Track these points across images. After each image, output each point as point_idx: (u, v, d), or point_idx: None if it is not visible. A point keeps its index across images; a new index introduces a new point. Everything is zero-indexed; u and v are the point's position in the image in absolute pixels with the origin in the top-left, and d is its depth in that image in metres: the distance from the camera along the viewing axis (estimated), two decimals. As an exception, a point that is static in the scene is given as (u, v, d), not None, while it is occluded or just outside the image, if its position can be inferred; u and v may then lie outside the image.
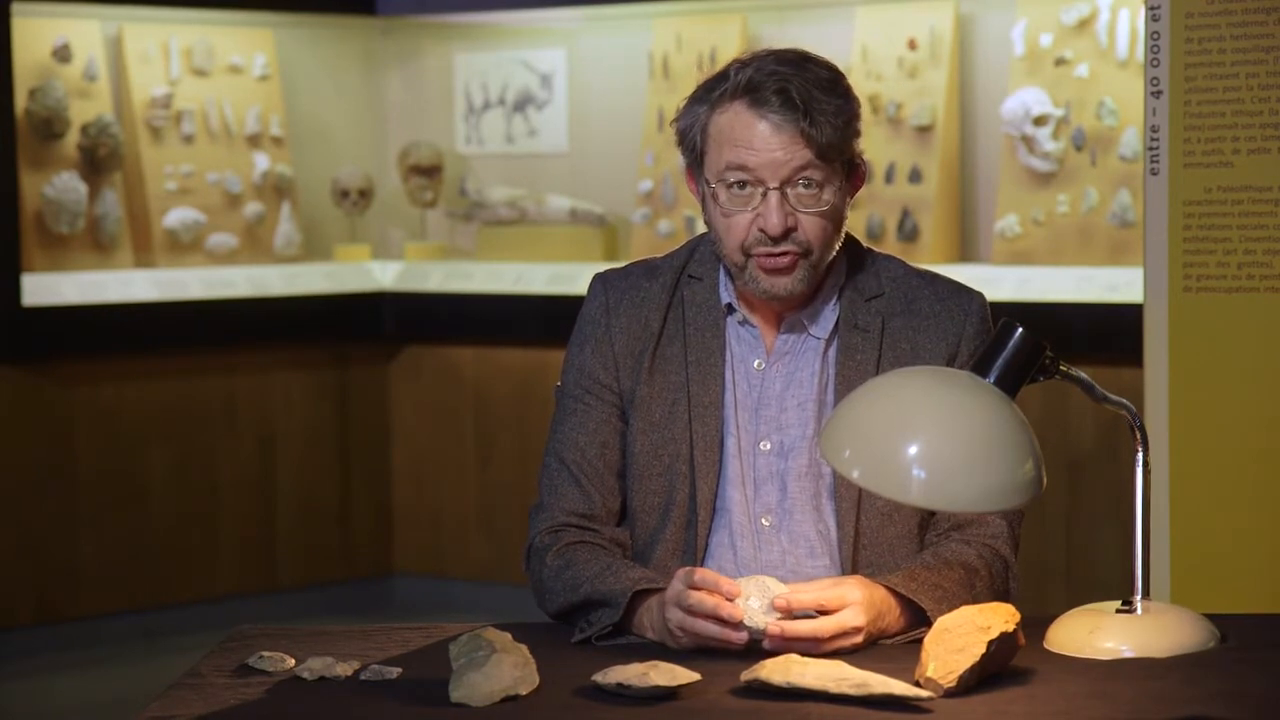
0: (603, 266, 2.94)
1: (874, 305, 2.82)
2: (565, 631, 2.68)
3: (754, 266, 2.73)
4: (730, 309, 2.83)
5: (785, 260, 2.71)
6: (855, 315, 2.81)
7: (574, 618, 2.70)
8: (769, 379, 2.81)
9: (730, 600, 2.52)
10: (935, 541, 2.77)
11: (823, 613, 2.53)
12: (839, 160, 2.71)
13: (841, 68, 2.78)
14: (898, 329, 2.81)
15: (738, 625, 2.51)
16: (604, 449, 2.83)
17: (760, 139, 2.68)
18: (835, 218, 2.73)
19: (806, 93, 2.67)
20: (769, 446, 2.79)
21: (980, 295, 2.86)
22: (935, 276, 2.87)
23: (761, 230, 2.70)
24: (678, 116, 2.77)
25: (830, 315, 2.81)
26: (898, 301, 2.83)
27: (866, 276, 2.83)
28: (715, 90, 2.72)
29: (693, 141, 2.75)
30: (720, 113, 2.71)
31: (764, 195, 2.69)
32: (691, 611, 2.52)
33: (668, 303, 2.84)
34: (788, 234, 2.70)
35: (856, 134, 2.73)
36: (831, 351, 2.81)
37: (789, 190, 2.69)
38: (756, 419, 2.80)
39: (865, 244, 2.88)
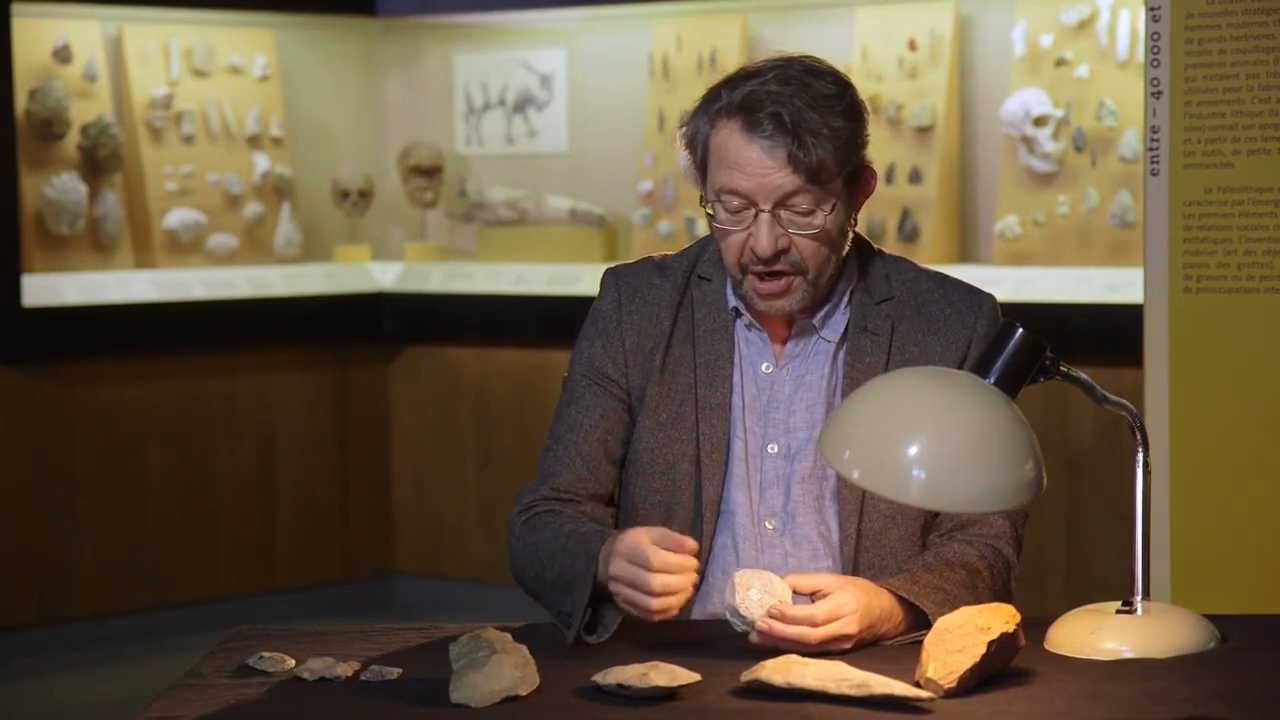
0: (602, 267, 2.94)
1: (884, 308, 2.82)
2: (565, 632, 2.68)
3: (749, 285, 2.74)
4: (738, 313, 2.83)
5: (780, 285, 2.72)
6: (865, 318, 2.81)
7: (547, 598, 2.72)
8: (778, 382, 2.81)
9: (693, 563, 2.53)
10: (938, 542, 2.77)
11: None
12: (835, 180, 2.70)
13: (841, 69, 2.77)
14: (907, 332, 2.81)
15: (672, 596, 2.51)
16: (606, 436, 2.83)
17: (751, 163, 2.67)
18: (830, 238, 2.73)
19: (799, 115, 2.65)
20: (776, 449, 2.80)
21: (990, 297, 2.86)
22: (945, 278, 2.87)
23: (753, 250, 2.70)
24: (684, 122, 2.77)
25: (840, 318, 2.81)
26: (907, 304, 2.82)
27: (876, 279, 2.83)
28: (716, 103, 2.71)
29: (695, 151, 2.75)
30: (717, 130, 2.70)
31: (756, 216, 2.69)
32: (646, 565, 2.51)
33: (678, 302, 2.85)
34: (779, 255, 2.70)
35: (859, 148, 2.71)
36: (841, 355, 2.81)
37: (781, 212, 2.69)
38: (765, 422, 2.81)
39: (875, 245, 2.88)
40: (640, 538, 2.54)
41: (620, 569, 2.54)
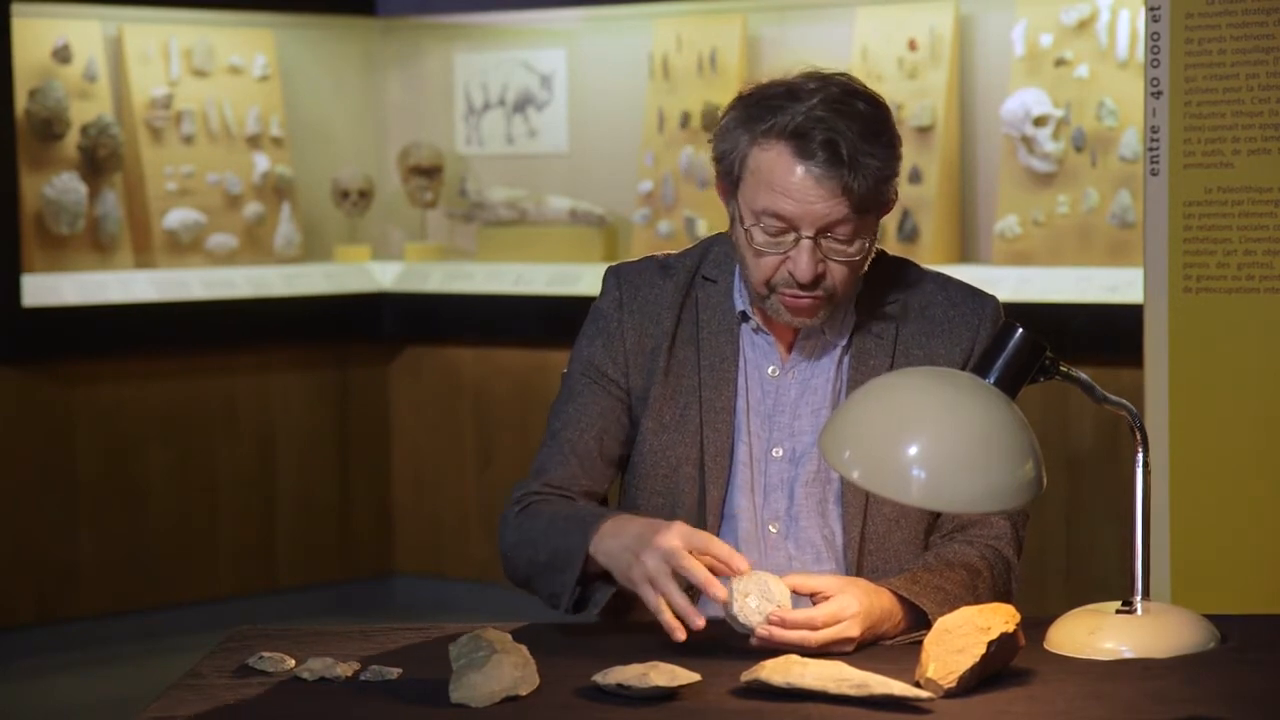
0: (603, 267, 2.94)
1: (888, 311, 2.82)
2: (566, 631, 2.68)
3: (777, 301, 2.72)
4: (745, 316, 2.83)
5: (808, 303, 2.71)
6: (869, 321, 2.81)
7: (539, 581, 2.73)
8: (784, 386, 2.81)
9: (723, 578, 2.52)
10: (938, 543, 2.77)
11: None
12: (875, 210, 2.70)
13: (842, 69, 2.76)
14: (911, 334, 2.81)
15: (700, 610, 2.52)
16: (602, 435, 2.83)
17: (800, 189, 2.65)
18: (862, 265, 2.73)
19: (854, 146, 2.63)
20: (781, 453, 2.79)
21: (994, 300, 2.85)
22: (949, 280, 2.86)
23: (790, 274, 2.70)
24: (717, 134, 2.73)
25: (846, 322, 2.81)
26: (911, 307, 2.82)
27: (881, 282, 2.83)
28: (761, 123, 2.67)
29: (730, 166, 2.71)
30: (763, 150, 2.67)
31: (796, 241, 2.68)
32: (678, 565, 2.51)
33: (681, 302, 2.84)
34: (816, 281, 2.70)
35: (896, 175, 2.71)
36: (846, 358, 2.81)
37: (821, 240, 2.68)
38: (770, 425, 2.80)
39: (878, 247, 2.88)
40: (679, 545, 2.53)
41: (655, 570, 2.53)
